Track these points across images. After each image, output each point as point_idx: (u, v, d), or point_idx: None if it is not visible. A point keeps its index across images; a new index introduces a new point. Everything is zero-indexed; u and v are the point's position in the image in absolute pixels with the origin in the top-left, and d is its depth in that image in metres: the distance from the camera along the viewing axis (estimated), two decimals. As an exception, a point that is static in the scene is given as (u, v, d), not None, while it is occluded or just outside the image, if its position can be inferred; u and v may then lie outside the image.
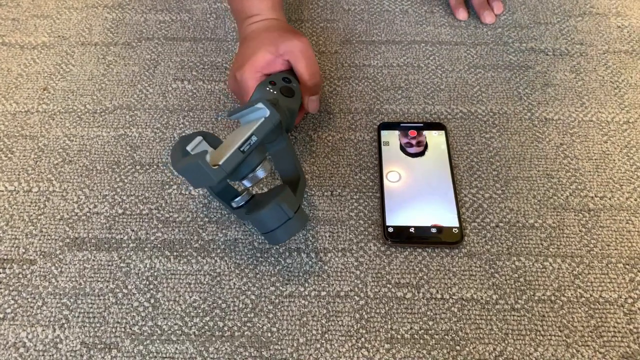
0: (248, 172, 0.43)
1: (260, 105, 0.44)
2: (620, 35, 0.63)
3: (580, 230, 0.49)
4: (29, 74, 0.61)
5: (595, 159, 0.53)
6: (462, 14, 0.64)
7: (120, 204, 0.51)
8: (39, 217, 0.50)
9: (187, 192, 0.51)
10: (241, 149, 0.41)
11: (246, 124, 0.46)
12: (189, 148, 0.43)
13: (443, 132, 0.55)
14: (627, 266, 0.46)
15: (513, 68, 0.61)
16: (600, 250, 0.47)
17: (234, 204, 0.46)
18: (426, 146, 0.53)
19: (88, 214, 0.50)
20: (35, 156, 0.54)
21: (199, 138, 0.43)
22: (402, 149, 0.53)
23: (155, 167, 0.53)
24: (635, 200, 0.50)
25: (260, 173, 0.44)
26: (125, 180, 0.52)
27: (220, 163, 0.40)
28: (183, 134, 0.55)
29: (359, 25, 0.65)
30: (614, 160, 0.53)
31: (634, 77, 0.60)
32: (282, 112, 0.48)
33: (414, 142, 0.53)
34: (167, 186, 0.52)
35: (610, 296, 0.45)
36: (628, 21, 0.65)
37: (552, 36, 0.64)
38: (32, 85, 0.60)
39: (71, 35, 0.65)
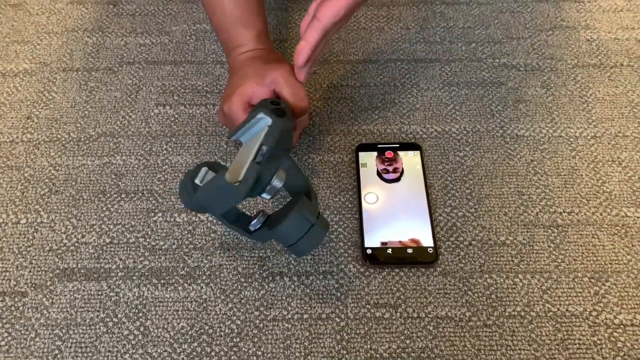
0: (265, 183, 0.44)
1: (261, 115, 0.45)
2: (589, 49, 0.65)
3: (549, 246, 0.51)
4: (12, 102, 0.62)
5: (564, 175, 0.56)
6: None
7: (108, 233, 0.52)
8: (28, 249, 0.51)
9: (171, 220, 0.53)
10: (256, 161, 0.42)
11: (250, 138, 0.46)
12: (197, 181, 0.43)
13: (418, 152, 0.57)
14: (592, 280, 0.49)
15: (486, 85, 0.63)
16: (567, 265, 0.50)
17: (251, 228, 0.46)
18: (402, 172, 0.55)
19: (76, 244, 0.52)
20: (22, 187, 0.55)
21: (205, 169, 0.44)
22: (379, 174, 0.55)
23: (140, 194, 0.55)
24: (601, 215, 0.53)
25: (278, 183, 0.44)
26: (112, 209, 0.54)
27: (240, 178, 0.41)
28: (183, 167, 0.57)
29: (337, 44, 0.67)
30: (582, 175, 0.55)
31: (601, 91, 0.62)
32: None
33: (390, 168, 0.55)
34: (152, 214, 0.53)
35: (576, 309, 0.48)
36: (597, 34, 0.67)
37: (524, 51, 0.66)
38: (15, 114, 0.61)
39: (52, 61, 0.65)
